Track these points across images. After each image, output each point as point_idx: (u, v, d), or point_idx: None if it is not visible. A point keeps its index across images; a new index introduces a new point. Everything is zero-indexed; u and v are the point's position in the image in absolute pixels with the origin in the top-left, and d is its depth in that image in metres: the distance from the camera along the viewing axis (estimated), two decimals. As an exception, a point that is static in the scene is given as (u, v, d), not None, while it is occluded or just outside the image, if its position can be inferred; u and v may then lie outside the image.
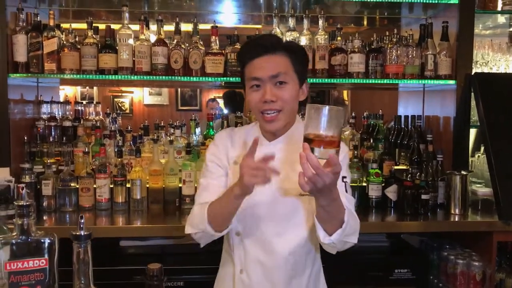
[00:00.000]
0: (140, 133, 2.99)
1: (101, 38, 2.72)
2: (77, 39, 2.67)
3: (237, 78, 2.70)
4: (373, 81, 2.78)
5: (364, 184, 2.77)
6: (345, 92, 7.16)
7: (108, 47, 2.62)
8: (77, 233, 1.03)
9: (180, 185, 2.70)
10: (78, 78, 2.60)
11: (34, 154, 2.74)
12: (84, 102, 3.17)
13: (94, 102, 3.20)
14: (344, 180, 1.51)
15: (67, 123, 2.88)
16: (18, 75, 2.60)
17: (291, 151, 1.49)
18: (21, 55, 2.57)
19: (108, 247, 2.45)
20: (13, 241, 1.02)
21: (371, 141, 2.96)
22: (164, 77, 2.64)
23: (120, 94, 7.31)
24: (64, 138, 2.82)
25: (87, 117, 3.06)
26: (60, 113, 3.01)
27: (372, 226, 2.58)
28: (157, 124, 3.09)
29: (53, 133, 2.83)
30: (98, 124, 2.87)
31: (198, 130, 3.05)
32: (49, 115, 2.93)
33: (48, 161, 2.67)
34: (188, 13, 3.04)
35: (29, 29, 2.59)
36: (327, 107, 1.12)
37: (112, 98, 7.24)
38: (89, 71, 2.60)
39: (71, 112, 3.03)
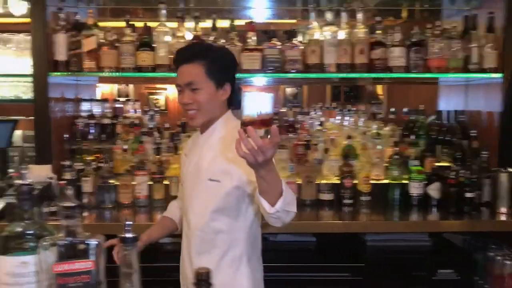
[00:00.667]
0: (177, 130, 3.00)
1: (138, 36, 2.72)
2: (115, 37, 2.68)
3: (275, 74, 2.67)
4: (415, 76, 2.70)
5: (405, 181, 2.70)
6: (379, 87, 6.99)
7: (145, 45, 2.63)
8: (124, 236, 1.02)
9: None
10: (117, 76, 2.62)
11: (74, 151, 2.78)
12: (122, 99, 3.20)
13: (133, 100, 3.22)
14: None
15: (106, 121, 2.92)
16: (58, 73, 2.64)
17: (210, 144, 1.75)
18: (61, 54, 2.61)
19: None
20: (60, 243, 1.01)
21: (412, 137, 2.88)
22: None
23: (155, 91, 7.37)
24: (103, 135, 2.85)
25: (125, 114, 3.08)
26: (98, 111, 3.04)
27: (414, 225, 2.52)
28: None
29: (92, 130, 2.87)
30: (136, 122, 2.89)
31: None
32: (88, 113, 2.97)
33: (88, 158, 2.71)
34: (221, 9, 3.02)
35: (69, 28, 2.63)
36: (251, 93, 1.28)
37: (148, 95, 7.31)
38: (127, 69, 2.62)
39: (110, 110, 3.06)
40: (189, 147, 1.90)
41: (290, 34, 2.74)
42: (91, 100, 3.05)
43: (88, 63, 2.61)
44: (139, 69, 2.63)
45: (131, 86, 6.55)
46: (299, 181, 2.66)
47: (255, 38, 2.65)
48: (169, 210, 2.04)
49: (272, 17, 3.27)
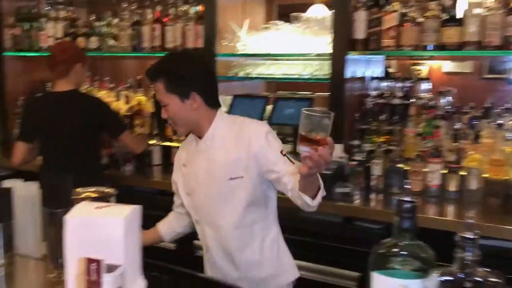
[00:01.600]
0: (473, 115, 2.66)
1: (443, 9, 2.46)
2: (417, 13, 2.48)
3: None
4: None
5: None
6: None
7: (452, 20, 2.36)
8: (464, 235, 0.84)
9: (524, 179, 2.29)
10: (418, 55, 2.43)
11: (364, 131, 2.74)
12: (413, 79, 3.00)
13: (425, 80, 3.00)
14: (283, 153, 1.72)
15: (396, 101, 2.78)
16: (356, 52, 2.60)
17: (213, 147, 1.79)
18: (360, 32, 2.56)
19: (440, 240, 2.26)
20: (447, 277, 0.88)
21: None
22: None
23: (419, 61, 6.93)
24: (394, 116, 2.72)
25: (418, 95, 2.89)
26: (387, 90, 2.92)
27: None
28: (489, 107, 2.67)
29: (382, 111, 2.77)
30: (431, 104, 2.67)
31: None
32: (377, 92, 2.88)
33: (378, 140, 2.62)
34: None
35: (370, 5, 2.54)
36: (308, 113, 1.31)
37: (410, 66, 6.93)
38: (429, 47, 2.41)
39: (399, 89, 2.90)
40: (184, 158, 1.89)
41: None
42: (380, 78, 2.95)
43: (387, 41, 2.49)
44: (442, 47, 2.39)
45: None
46: None
47: None
48: (164, 223, 2.03)
49: None
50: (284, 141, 3.01)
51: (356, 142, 2.65)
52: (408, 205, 0.91)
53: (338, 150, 2.62)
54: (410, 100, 2.76)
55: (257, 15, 3.34)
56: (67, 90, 2.71)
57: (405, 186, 0.94)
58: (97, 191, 1.38)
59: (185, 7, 3.10)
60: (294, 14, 3.00)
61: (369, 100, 2.83)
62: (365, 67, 3.01)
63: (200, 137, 1.81)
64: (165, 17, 3.16)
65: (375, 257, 0.94)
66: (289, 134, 3.02)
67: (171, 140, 3.20)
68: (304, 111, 1.31)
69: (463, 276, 0.86)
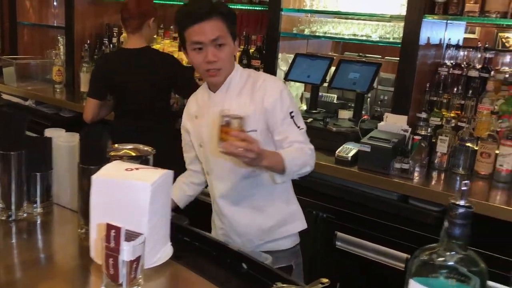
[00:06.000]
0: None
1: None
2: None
3: None
4: None
5: None
6: None
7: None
8: None
9: None
10: (507, 24, 2.16)
11: (434, 104, 2.52)
12: (496, 49, 2.70)
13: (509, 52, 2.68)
14: (292, 114, 1.72)
15: (474, 73, 2.51)
16: (435, 16, 2.35)
17: (229, 99, 1.75)
18: (441, -6, 2.30)
19: (506, 231, 2.07)
20: None
21: None
22: None
23: (508, 29, 6.32)
24: (469, 90, 2.48)
25: (498, 68, 2.60)
26: (466, 60, 2.64)
27: None
28: None
29: (457, 83, 2.53)
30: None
31: None
32: (454, 62, 2.62)
33: (448, 114, 2.40)
34: None
35: (455, -37, 2.27)
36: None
37: (496, 33, 6.34)
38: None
39: (478, 60, 2.62)
40: (195, 110, 1.85)
41: None
42: (457, 46, 2.67)
43: (470, 5, 2.23)
44: (532, 15, 2.10)
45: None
46: None
47: None
48: (176, 188, 1.95)
49: None
50: (346, 107, 2.90)
51: (423, 115, 2.45)
52: (462, 211, 0.77)
53: (401, 122, 2.44)
54: (489, 73, 2.48)
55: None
56: (140, 47, 2.68)
57: (462, 188, 0.78)
58: (135, 149, 1.33)
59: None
60: (369, -31, 2.75)
61: (443, 69, 2.58)
62: (443, 33, 2.74)
63: (214, 89, 1.79)
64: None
65: (417, 263, 0.81)
66: (351, 100, 2.86)
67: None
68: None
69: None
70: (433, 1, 2.34)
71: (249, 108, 1.70)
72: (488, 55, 2.59)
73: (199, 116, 1.84)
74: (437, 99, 2.53)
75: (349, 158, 2.35)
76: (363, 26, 2.81)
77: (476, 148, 2.31)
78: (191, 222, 1.76)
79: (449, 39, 2.69)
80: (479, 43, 2.73)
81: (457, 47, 2.70)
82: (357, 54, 3.25)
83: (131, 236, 0.95)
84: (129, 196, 1.00)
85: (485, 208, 2.01)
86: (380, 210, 2.28)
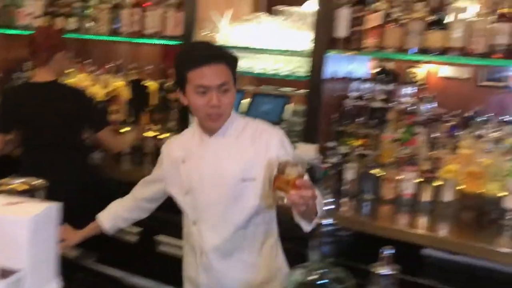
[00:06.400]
0: (454, 123, 2.56)
1: (429, 12, 2.35)
2: (402, 13, 2.37)
3: None
4: None
5: None
6: None
7: (437, 23, 2.25)
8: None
9: (501, 194, 2.20)
10: (399, 58, 2.33)
11: (341, 133, 2.64)
12: (395, 83, 2.89)
13: (408, 84, 2.89)
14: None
15: (376, 104, 2.68)
16: (336, 51, 2.49)
17: (227, 145, 1.71)
18: (342, 30, 2.45)
19: (406, 252, 2.17)
20: None
21: None
22: (504, 61, 2.13)
23: (415, 64, 6.79)
24: (372, 120, 2.63)
25: (399, 99, 2.78)
26: (369, 92, 2.81)
27: None
28: (471, 116, 2.59)
29: (361, 113, 2.67)
30: (411, 109, 2.56)
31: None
32: (358, 93, 2.77)
33: (354, 143, 2.53)
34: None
35: (354, 2, 2.44)
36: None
37: (405, 68, 6.78)
38: (411, 50, 2.30)
39: (381, 92, 2.79)
40: (182, 155, 1.77)
41: None
42: (362, 80, 2.84)
43: (369, 41, 2.39)
44: (425, 50, 2.29)
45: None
46: None
47: None
48: (109, 209, 1.98)
49: None
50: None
51: (331, 144, 2.56)
52: (329, 228, 0.81)
53: (311, 151, 2.53)
54: (390, 104, 2.66)
55: (244, 7, 3.22)
56: (48, 81, 2.62)
57: (327, 208, 0.83)
58: (25, 183, 1.28)
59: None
60: (278, 7, 2.89)
61: (348, 101, 2.73)
62: (349, 67, 2.90)
63: (209, 133, 1.72)
64: (145, 2, 3.05)
65: (291, 284, 0.84)
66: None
67: (145, 130, 3.10)
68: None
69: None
70: (335, 37, 2.48)
71: (249, 154, 1.67)
72: (389, 87, 2.77)
73: (188, 160, 1.75)
74: (344, 129, 2.65)
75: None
76: (274, 61, 2.91)
77: (381, 174, 2.44)
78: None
79: (354, 72, 2.85)
80: (383, 76, 2.91)
81: (362, 80, 2.87)
82: (273, 87, 3.35)
83: (8, 273, 0.91)
84: (7, 232, 0.96)
85: (389, 232, 2.12)
86: (290, 235, 2.31)
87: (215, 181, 1.69)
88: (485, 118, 2.45)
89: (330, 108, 2.66)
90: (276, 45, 2.76)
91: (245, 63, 2.94)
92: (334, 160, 2.51)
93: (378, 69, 3.00)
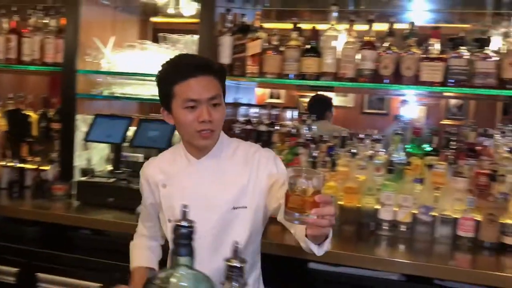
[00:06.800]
0: (334, 143, 2.74)
1: (304, 40, 2.52)
2: (280, 41, 2.52)
3: (461, 89, 2.26)
4: None
5: None
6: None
7: (311, 51, 2.42)
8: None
9: (377, 206, 2.39)
10: (279, 83, 2.46)
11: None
12: (280, 108, 3.04)
13: (291, 108, 3.06)
14: None
15: (263, 128, 2.78)
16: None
17: (218, 168, 1.57)
18: (225, 57, 2.54)
19: (296, 268, 2.25)
20: None
21: None
22: (370, 84, 2.34)
23: (306, 94, 7.20)
24: (259, 143, 2.71)
25: (282, 122, 2.92)
26: (256, 116, 2.92)
27: None
28: (351, 134, 2.81)
29: (248, 136, 2.76)
30: (294, 131, 2.70)
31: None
32: (245, 118, 2.87)
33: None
34: (397, 12, 2.69)
35: (235, 30, 2.54)
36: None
37: (298, 98, 7.17)
38: (289, 76, 2.44)
39: (267, 116, 2.92)
40: (163, 178, 1.61)
41: (482, 42, 2.30)
42: (249, 105, 2.95)
43: (251, 68, 2.49)
44: (302, 76, 2.44)
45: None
46: (478, 218, 2.23)
47: (438, 46, 2.28)
48: (141, 257, 1.75)
49: (456, 21, 2.84)
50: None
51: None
52: (184, 231, 0.84)
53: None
54: (275, 127, 2.78)
55: (128, 33, 3.21)
56: None
57: (183, 209, 0.86)
58: None
59: (46, 19, 2.89)
60: (162, 34, 2.92)
61: (236, 125, 2.81)
62: (236, 93, 3.00)
63: (198, 155, 1.57)
64: (23, 28, 2.91)
65: None
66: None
67: (25, 161, 2.91)
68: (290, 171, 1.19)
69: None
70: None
71: (242, 179, 1.55)
72: (274, 112, 2.91)
73: (170, 185, 1.60)
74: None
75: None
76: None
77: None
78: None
79: (241, 98, 2.96)
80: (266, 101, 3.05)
81: (248, 105, 2.98)
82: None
83: None
84: None
85: (275, 249, 2.19)
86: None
87: (203, 210, 1.51)
88: (360, 137, 2.65)
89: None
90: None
91: (132, 90, 2.91)
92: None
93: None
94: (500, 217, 2.21)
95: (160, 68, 1.57)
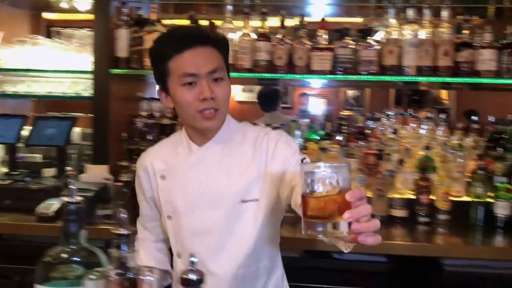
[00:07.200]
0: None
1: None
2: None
3: (347, 76, 2.44)
4: (507, 82, 2.38)
5: (490, 200, 2.40)
6: (444, 92, 6.56)
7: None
8: (187, 277, 0.81)
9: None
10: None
11: (133, 152, 2.68)
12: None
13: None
14: (303, 161, 1.30)
15: (166, 121, 2.80)
16: (119, 70, 2.54)
17: (224, 154, 1.37)
18: (122, 50, 2.51)
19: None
20: (109, 276, 0.85)
21: (499, 150, 2.57)
22: (266, 74, 2.45)
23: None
24: (162, 136, 2.73)
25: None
26: (158, 110, 2.92)
27: (499, 251, 2.21)
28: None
29: (151, 130, 2.76)
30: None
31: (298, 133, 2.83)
32: (148, 112, 2.86)
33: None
34: (290, 5, 2.83)
35: (131, 23, 2.53)
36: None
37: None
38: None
39: (169, 110, 2.93)
40: (162, 168, 1.44)
41: (365, 32, 2.51)
42: (151, 98, 2.94)
43: (148, 60, 2.49)
44: (201, 67, 2.49)
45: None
46: (369, 195, 2.42)
47: (326, 36, 2.44)
48: (149, 258, 1.53)
49: (343, 14, 3.05)
50: (51, 165, 2.82)
51: (124, 163, 2.58)
52: (73, 207, 0.86)
53: (103, 172, 2.51)
54: (178, 120, 2.80)
55: (18, 29, 3.06)
56: None
57: (70, 187, 0.88)
58: None
59: None
60: (56, 29, 2.82)
61: (139, 120, 2.79)
62: (138, 87, 2.98)
63: (199, 141, 1.38)
64: None
65: (39, 267, 0.87)
66: (55, 157, 2.81)
67: None
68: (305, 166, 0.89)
69: (122, 273, 0.83)
70: (117, 57, 2.53)
71: (253, 171, 1.34)
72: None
73: (169, 176, 1.40)
74: (135, 147, 2.70)
75: (51, 214, 2.28)
76: (58, 84, 2.82)
77: (174, 187, 2.54)
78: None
79: (143, 92, 2.94)
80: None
81: (151, 99, 2.97)
82: (60, 113, 3.23)
83: None
84: None
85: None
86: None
87: (206, 203, 1.35)
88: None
89: (119, 127, 2.69)
90: (56, 67, 2.68)
91: (26, 88, 2.78)
92: (127, 178, 2.53)
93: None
94: (387, 192, 2.43)
95: (154, 43, 1.39)
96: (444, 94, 6.75)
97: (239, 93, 7.22)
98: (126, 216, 0.82)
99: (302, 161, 1.28)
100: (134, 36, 2.50)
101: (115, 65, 2.53)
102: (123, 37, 2.50)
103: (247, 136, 1.41)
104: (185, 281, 0.79)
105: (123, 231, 0.83)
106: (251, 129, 1.45)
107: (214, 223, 1.36)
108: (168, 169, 1.43)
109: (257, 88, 7.02)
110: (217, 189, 1.35)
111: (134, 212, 2.43)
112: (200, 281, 0.79)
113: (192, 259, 0.82)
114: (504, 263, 2.28)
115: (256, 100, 4.25)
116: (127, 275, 0.82)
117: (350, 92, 5.85)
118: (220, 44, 1.35)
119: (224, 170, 1.36)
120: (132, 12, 2.58)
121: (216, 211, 1.35)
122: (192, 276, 0.80)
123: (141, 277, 0.83)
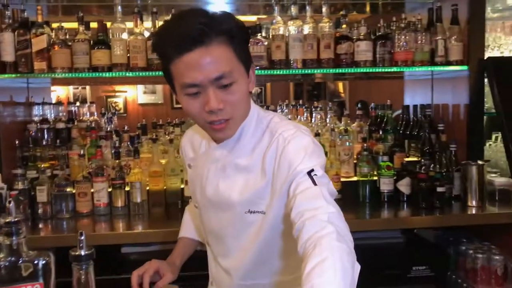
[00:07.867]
0: (137, 133, 2.85)
1: (93, 34, 2.56)
2: (67, 36, 2.51)
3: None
4: (382, 70, 2.65)
5: (375, 178, 2.65)
6: (340, 84, 7.03)
7: (101, 43, 2.47)
8: (77, 253, 0.88)
9: (182, 186, 2.57)
10: (70, 77, 2.45)
11: (27, 158, 2.59)
12: (78, 103, 3.01)
13: (88, 103, 3.04)
14: (312, 174, 1.12)
15: (61, 125, 2.74)
16: (6, 75, 2.45)
17: (234, 159, 1.26)
18: (8, 54, 2.42)
19: (109, 254, 2.30)
20: (1, 264, 0.87)
21: (380, 132, 2.83)
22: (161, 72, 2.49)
23: (113, 94, 7.13)
24: (58, 141, 2.67)
25: (81, 118, 2.91)
26: (52, 115, 2.85)
27: (385, 222, 2.45)
28: (155, 123, 2.96)
29: (46, 136, 2.69)
30: (93, 125, 2.72)
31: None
32: (41, 117, 2.78)
33: (42, 165, 2.52)
34: (180, 5, 2.89)
35: (16, 26, 2.44)
36: None
37: (106, 98, 7.06)
38: (81, 69, 2.45)
39: (64, 114, 2.88)
40: (191, 157, 1.39)
41: (254, 29, 2.64)
42: (43, 103, 2.85)
43: (38, 64, 2.43)
44: (94, 69, 2.47)
45: (87, 90, 6.31)
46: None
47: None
48: (188, 228, 1.60)
49: (234, 13, 3.16)
50: None
51: (18, 171, 2.48)
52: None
53: (-4, 181, 2.41)
54: (74, 123, 2.76)
55: None
56: None
57: (8, 205, 0.89)
58: None
59: None
60: None
61: (31, 125, 2.71)
62: (28, 93, 2.88)
63: (217, 139, 1.25)
64: None
65: None
66: None
67: None
68: None
69: (14, 260, 0.87)
70: (3, 61, 2.43)
71: (265, 180, 1.19)
72: (72, 108, 2.87)
73: (194, 167, 1.34)
74: (30, 153, 2.61)
75: None
76: None
77: (74, 191, 2.50)
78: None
79: (32, 97, 2.84)
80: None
81: (44, 104, 2.88)
82: None
83: None
84: None
85: (93, 239, 2.20)
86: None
87: (218, 206, 1.28)
88: (160, 123, 2.80)
89: (11, 134, 2.59)
90: None
91: None
92: (23, 186, 2.45)
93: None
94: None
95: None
96: (340, 87, 7.21)
97: (141, 95, 7.15)
98: (13, 205, 0.85)
99: (309, 173, 1.12)
100: (21, 39, 2.42)
101: (2, 70, 2.43)
102: (7, 40, 2.40)
103: (265, 136, 1.25)
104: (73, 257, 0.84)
105: (11, 219, 0.85)
106: (273, 124, 1.26)
107: (224, 225, 1.30)
108: (194, 158, 1.38)
109: (159, 89, 7.04)
110: (224, 195, 1.27)
111: (33, 217, 2.41)
112: (91, 255, 0.86)
113: (80, 237, 0.87)
114: (391, 232, 2.54)
115: (159, 102, 4.23)
116: (20, 261, 0.85)
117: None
118: (231, 34, 1.13)
119: (232, 175, 1.26)
120: (16, 15, 2.50)
121: (222, 214, 1.29)
122: (82, 252, 0.85)
123: (35, 261, 0.87)
